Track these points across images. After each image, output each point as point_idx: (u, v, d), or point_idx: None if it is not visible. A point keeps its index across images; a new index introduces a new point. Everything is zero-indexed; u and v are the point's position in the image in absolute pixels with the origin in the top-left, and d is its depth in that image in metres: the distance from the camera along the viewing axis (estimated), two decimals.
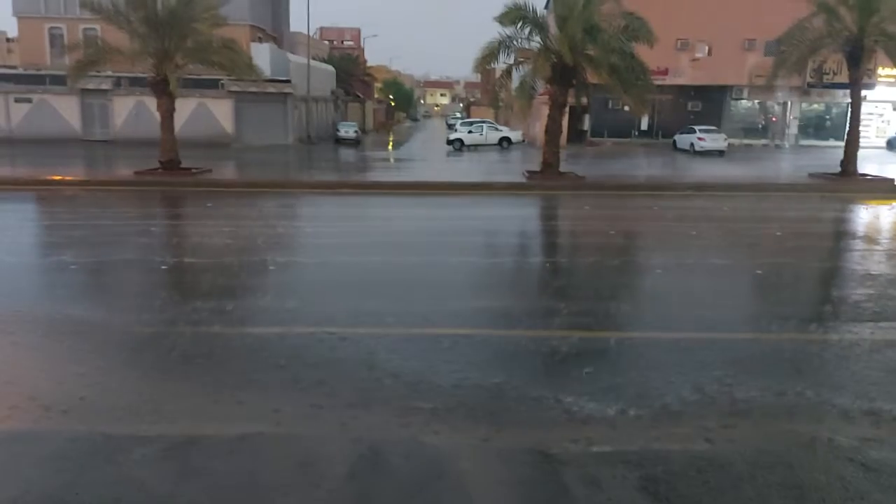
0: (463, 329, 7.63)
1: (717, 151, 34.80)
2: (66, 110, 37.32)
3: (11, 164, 26.65)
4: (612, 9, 21.19)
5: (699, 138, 35.32)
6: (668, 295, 9.50)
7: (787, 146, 42.69)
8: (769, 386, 6.07)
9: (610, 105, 42.27)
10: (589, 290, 9.94)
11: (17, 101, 37.27)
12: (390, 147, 43.63)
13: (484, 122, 44.53)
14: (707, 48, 42.68)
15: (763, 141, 43.98)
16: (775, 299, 9.54)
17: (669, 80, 41.15)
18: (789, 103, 44.08)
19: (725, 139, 35.58)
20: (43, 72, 39.96)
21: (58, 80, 34.95)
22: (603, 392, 5.89)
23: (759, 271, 11.04)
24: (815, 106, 44.97)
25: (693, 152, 35.37)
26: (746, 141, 42.99)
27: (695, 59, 42.26)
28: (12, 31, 51.39)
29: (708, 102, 44.19)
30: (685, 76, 42.46)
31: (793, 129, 44.45)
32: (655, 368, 6.50)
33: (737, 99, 44.75)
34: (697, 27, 41.23)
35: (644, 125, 44.05)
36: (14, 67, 45.12)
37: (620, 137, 43.50)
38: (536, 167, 23.62)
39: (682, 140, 37.48)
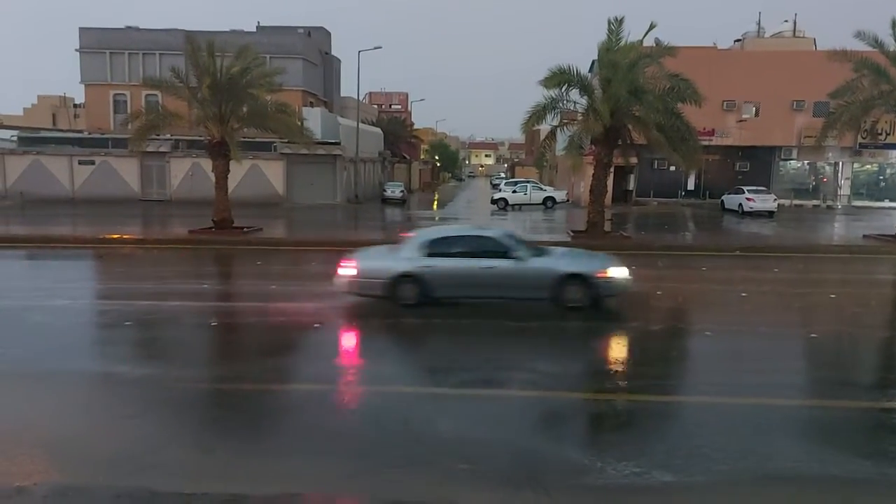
0: (510, 391, 7.56)
1: (767, 212, 34.22)
2: (127, 172, 38.96)
3: (73, 223, 27.81)
4: (657, 71, 21.39)
5: (748, 199, 34.83)
6: (717, 359, 9.24)
7: (839, 207, 41.73)
8: (818, 455, 5.80)
9: (655, 165, 42.19)
10: (635, 354, 9.74)
11: (80, 163, 39.08)
12: (435, 206, 44.13)
13: (528, 181, 44.82)
14: (754, 109, 42.52)
15: (814, 202, 43.11)
16: (831, 365, 9.20)
17: (716, 141, 40.99)
18: (840, 164, 43.31)
19: (775, 200, 34.99)
20: (106, 135, 42.03)
21: (120, 143, 36.66)
22: (648, 457, 5.71)
23: (813, 335, 10.68)
24: (868, 166, 44.06)
25: (741, 213, 34.84)
26: (797, 202, 42.20)
27: (742, 120, 42.08)
28: (80, 97, 54.50)
29: (756, 163, 43.73)
30: (732, 137, 42.23)
31: (845, 190, 43.51)
32: (704, 434, 6.29)
33: (786, 159, 44.19)
34: (744, 88, 41.20)
35: (690, 185, 43.72)
36: (80, 132, 47.60)
37: (666, 197, 43.19)
38: (581, 227, 23.56)
39: (731, 200, 37.01)
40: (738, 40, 47.70)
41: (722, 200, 38.43)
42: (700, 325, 11.68)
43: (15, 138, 42.28)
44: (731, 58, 43.56)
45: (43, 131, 48.30)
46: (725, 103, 41.53)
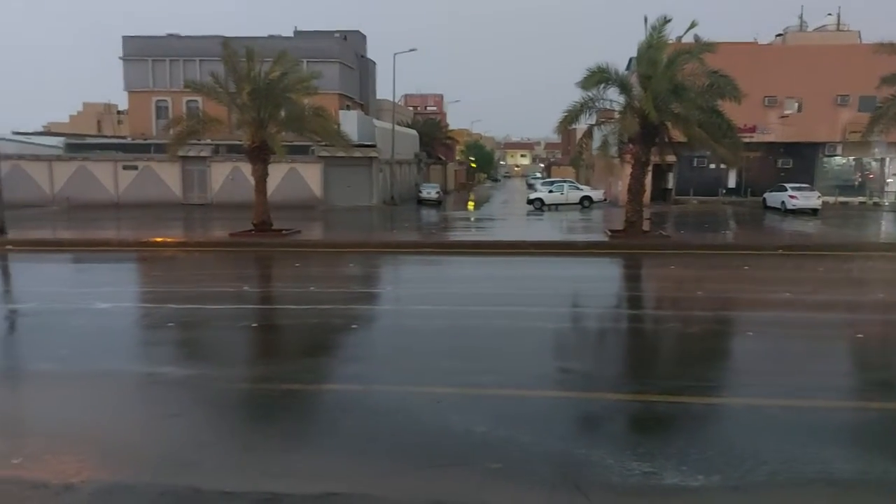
0: (550, 391, 7.52)
1: (811, 210, 33.42)
2: (169, 176, 39.79)
3: (118, 227, 28.53)
4: (696, 67, 21.05)
5: (791, 196, 34.06)
6: (760, 360, 9.05)
7: (886, 204, 40.51)
8: (865, 459, 5.64)
9: (695, 163, 41.53)
10: (677, 354, 9.61)
11: (124, 168, 40.04)
12: (471, 207, 44.13)
13: (565, 181, 44.50)
14: (797, 104, 41.58)
15: (860, 198, 41.93)
16: (879, 366, 8.94)
17: (757, 138, 40.18)
18: (887, 159, 42.04)
19: (819, 197, 34.15)
20: (149, 141, 43.01)
21: (162, 149, 37.36)
22: (692, 461, 5.62)
23: (860, 335, 10.40)
24: None
25: (784, 211, 34.10)
26: (841, 199, 41.10)
27: (784, 116, 41.17)
28: (123, 104, 55.93)
29: (799, 159, 42.71)
30: (774, 133, 41.35)
31: (892, 187, 42.21)
32: (748, 436, 6.16)
33: (830, 156, 43.05)
34: (786, 84, 40.33)
35: (731, 183, 42.93)
36: (123, 137, 48.84)
37: (706, 196, 42.47)
38: (619, 226, 23.32)
39: (773, 198, 36.25)
40: (779, 35, 46.66)
41: (764, 198, 37.68)
42: (742, 326, 11.46)
43: (62, 145, 43.55)
44: (773, 53, 42.66)
45: (88, 138, 49.73)
46: (767, 99, 40.70)
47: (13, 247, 21.22)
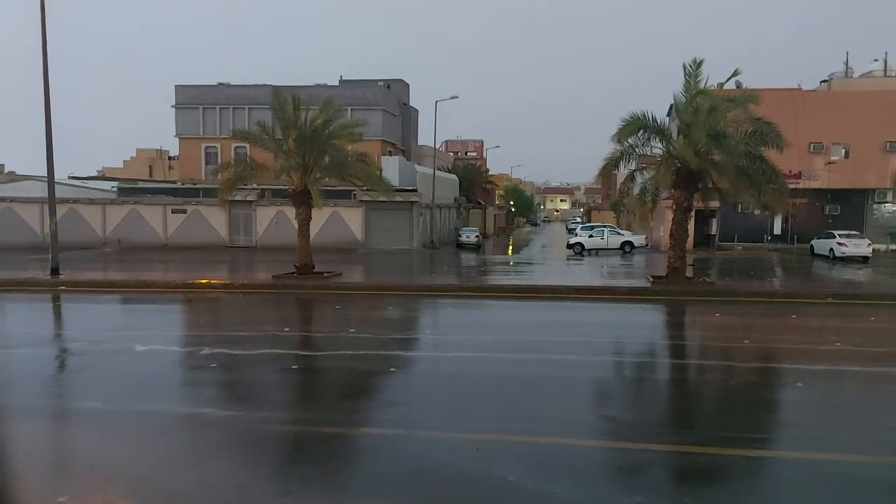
0: (590, 441, 7.40)
1: (861, 257, 32.53)
2: (216, 220, 40.83)
3: (165, 268, 29.27)
4: (738, 114, 20.94)
5: (839, 243, 33.24)
6: (809, 412, 8.77)
7: None
8: None
9: (739, 209, 40.95)
10: (723, 404, 9.37)
11: (173, 211, 41.27)
12: (510, 251, 44.11)
13: (605, 226, 44.33)
14: (844, 151, 40.92)
15: None
16: None
17: (803, 184, 39.54)
18: None
19: (869, 244, 33.23)
20: (198, 185, 44.36)
21: (210, 193, 38.54)
22: None
23: None
24: None
25: (833, 258, 33.25)
26: (893, 246, 39.93)
27: (830, 162, 40.50)
28: (174, 150, 57.94)
29: (847, 206, 41.81)
30: (820, 179, 40.65)
31: None
32: (796, 492, 5.95)
33: (880, 202, 42.05)
34: (832, 130, 39.80)
35: (777, 229, 42.14)
36: (174, 182, 50.43)
37: (751, 242, 41.73)
38: (661, 272, 23.02)
39: (821, 245, 35.41)
40: (824, 81, 46.23)
41: (811, 245, 36.85)
42: (790, 376, 11.13)
43: (115, 189, 45.19)
44: (818, 99, 42.25)
45: (140, 182, 51.50)
46: (812, 145, 40.19)
47: (66, 287, 21.91)
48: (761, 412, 8.99)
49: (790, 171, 32.97)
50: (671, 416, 8.88)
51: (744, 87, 27.28)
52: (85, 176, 52.87)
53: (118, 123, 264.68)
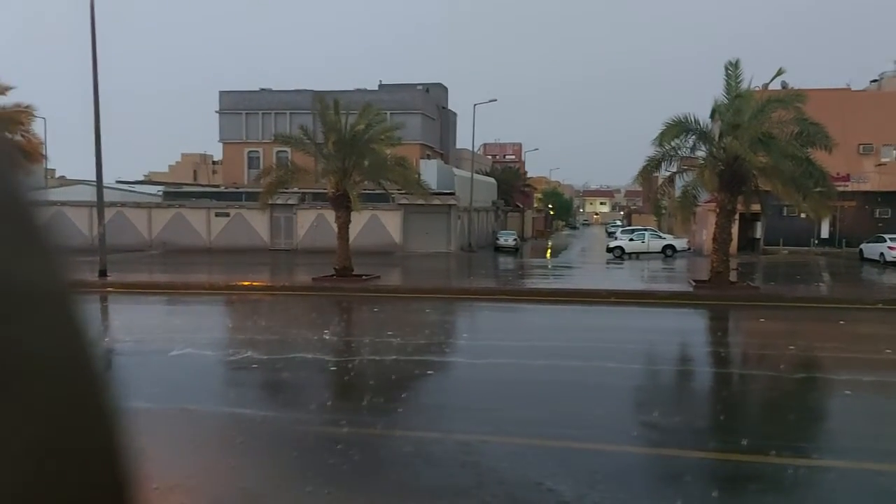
0: (630, 447, 7.29)
1: None
2: (258, 223, 41.47)
3: (209, 271, 29.83)
4: (784, 115, 20.48)
5: (891, 247, 32.19)
6: (858, 420, 8.50)
7: None
8: None
9: (785, 212, 39.98)
10: (768, 412, 9.16)
11: (217, 215, 42.06)
12: (548, 255, 43.83)
13: (646, 229, 43.75)
14: (895, 152, 39.68)
15: None
16: None
17: (852, 187, 38.45)
18: None
19: None
20: (241, 189, 45.12)
21: (252, 197, 39.11)
22: None
23: None
24: None
25: (883, 263, 32.22)
26: None
27: (881, 164, 39.32)
28: (218, 154, 59.09)
29: None
30: (870, 182, 39.48)
31: None
32: (843, 502, 5.78)
33: None
34: (883, 131, 38.67)
35: (824, 233, 41.03)
36: (217, 186, 51.43)
37: (797, 246, 40.71)
38: (704, 276, 22.62)
39: (870, 249, 34.35)
40: (874, 81, 44.96)
41: (860, 249, 35.76)
42: (838, 385, 10.80)
43: (161, 193, 46.28)
44: (867, 99, 41.10)
45: (185, 186, 52.68)
46: (862, 147, 39.09)
47: (113, 289, 22.49)
48: (808, 421, 8.76)
49: (838, 174, 32.09)
50: (712, 423, 8.70)
51: (789, 87, 26.70)
52: (132, 180, 54.30)
53: (164, 131, 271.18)
